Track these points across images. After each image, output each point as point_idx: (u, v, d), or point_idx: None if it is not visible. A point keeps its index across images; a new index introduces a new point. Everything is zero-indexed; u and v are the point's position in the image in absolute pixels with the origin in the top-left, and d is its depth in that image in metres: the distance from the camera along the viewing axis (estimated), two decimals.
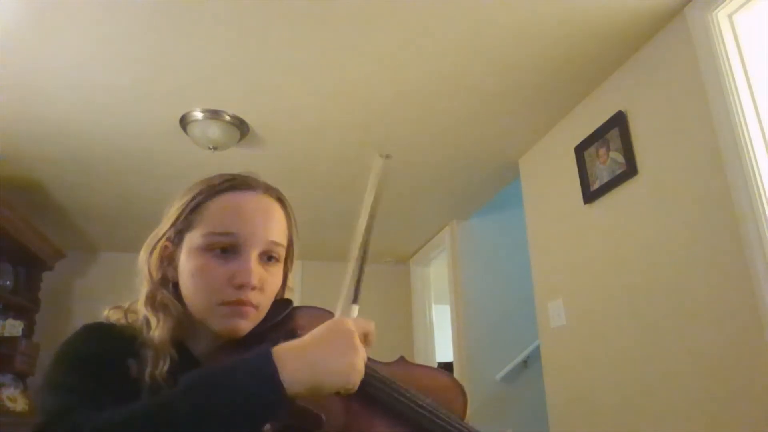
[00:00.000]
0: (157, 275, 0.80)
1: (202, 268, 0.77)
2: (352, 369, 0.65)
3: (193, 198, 0.81)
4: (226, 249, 0.77)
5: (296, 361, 0.62)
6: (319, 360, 0.63)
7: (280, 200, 0.85)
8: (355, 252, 0.77)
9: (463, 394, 0.80)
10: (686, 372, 1.91)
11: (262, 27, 2.01)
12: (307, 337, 0.66)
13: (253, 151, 2.86)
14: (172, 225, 0.81)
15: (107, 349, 0.71)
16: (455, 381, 0.82)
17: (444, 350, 4.44)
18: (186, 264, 0.79)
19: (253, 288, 0.76)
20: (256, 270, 0.77)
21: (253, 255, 0.77)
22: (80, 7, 1.88)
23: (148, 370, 0.71)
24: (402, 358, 0.83)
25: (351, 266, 0.77)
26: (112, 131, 2.67)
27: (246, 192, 0.81)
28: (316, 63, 2.21)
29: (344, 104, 2.48)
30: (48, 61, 2.15)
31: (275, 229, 0.81)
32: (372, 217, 0.78)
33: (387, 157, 0.80)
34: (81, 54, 2.12)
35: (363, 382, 0.68)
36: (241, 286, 0.75)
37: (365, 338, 0.71)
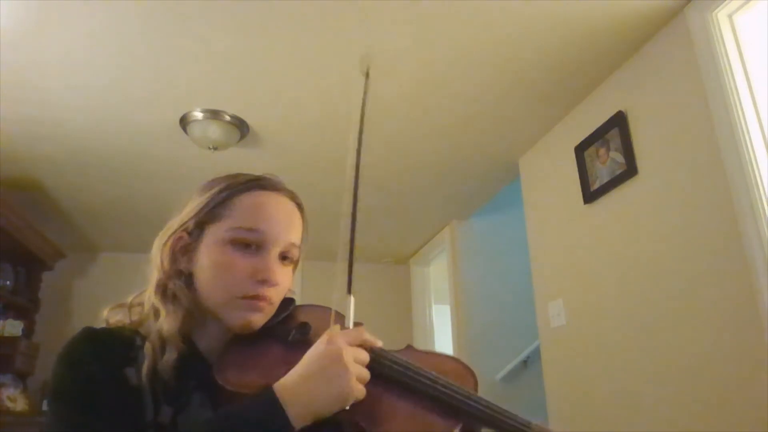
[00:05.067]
0: (169, 265, 0.81)
1: (225, 260, 0.78)
2: (346, 393, 0.67)
3: (221, 192, 0.82)
4: (249, 244, 0.79)
5: (296, 399, 0.66)
6: (315, 393, 0.67)
7: (299, 205, 0.88)
8: (348, 210, 0.80)
9: (473, 376, 0.81)
10: (686, 372, 1.91)
11: (263, 27, 2.01)
12: (301, 368, 0.69)
13: (253, 151, 2.86)
14: (193, 216, 0.82)
15: (104, 363, 0.71)
16: (464, 364, 0.83)
17: (444, 350, 4.43)
18: (207, 256, 0.80)
19: (272, 284, 0.79)
20: (276, 267, 0.80)
21: (274, 253, 0.80)
22: (80, 7, 1.88)
23: (147, 364, 0.71)
24: (410, 346, 0.85)
25: (344, 236, 0.79)
26: (112, 131, 2.67)
27: (273, 192, 0.85)
28: (317, 63, 2.21)
29: (344, 104, 2.48)
30: (48, 61, 2.15)
31: (295, 231, 0.85)
32: (360, 142, 0.82)
33: (366, 74, 0.84)
34: (81, 54, 2.12)
35: (380, 367, 0.73)
36: (262, 282, 0.78)
37: (362, 347, 0.73)
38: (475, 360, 3.63)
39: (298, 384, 0.67)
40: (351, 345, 0.71)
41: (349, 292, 0.77)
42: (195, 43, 2.08)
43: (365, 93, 0.83)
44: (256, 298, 0.78)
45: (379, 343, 0.75)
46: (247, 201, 0.82)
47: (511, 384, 3.59)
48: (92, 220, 3.81)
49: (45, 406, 0.73)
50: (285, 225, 0.83)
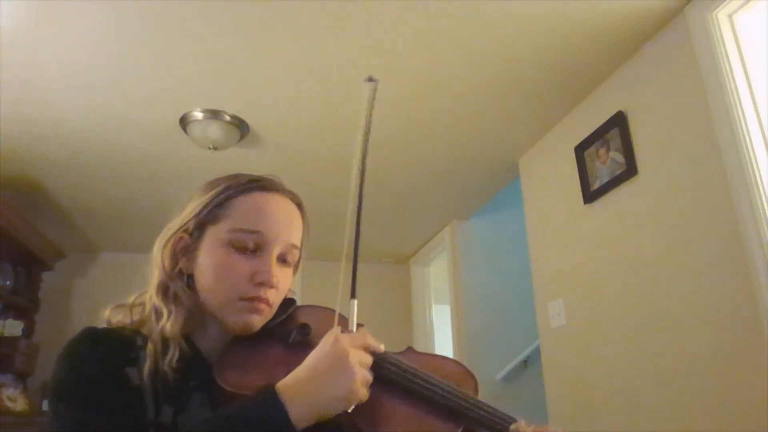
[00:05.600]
0: (170, 266, 0.80)
1: (224, 262, 0.78)
2: (351, 395, 0.67)
3: (221, 192, 0.82)
4: (248, 246, 0.79)
5: (299, 398, 0.65)
6: (318, 393, 0.66)
7: (300, 206, 0.88)
8: (351, 214, 0.79)
9: (473, 378, 0.81)
10: (686, 371, 1.91)
11: (263, 27, 2.01)
12: (305, 367, 0.68)
13: (253, 151, 2.86)
14: (194, 217, 0.82)
15: (106, 364, 0.70)
16: (464, 367, 0.84)
17: (444, 350, 4.43)
18: (207, 257, 0.80)
19: (271, 287, 0.79)
20: (275, 269, 0.79)
21: (274, 255, 0.80)
22: (79, 7, 1.88)
23: (148, 364, 0.71)
24: (410, 348, 0.85)
25: (348, 236, 0.78)
26: (112, 131, 2.67)
27: (273, 194, 0.84)
28: (317, 63, 2.21)
29: (344, 104, 2.48)
30: (48, 62, 2.15)
31: (295, 232, 0.84)
32: (365, 147, 0.81)
33: (371, 80, 0.83)
34: (81, 54, 2.12)
35: (381, 370, 0.73)
36: (261, 284, 0.78)
37: (366, 350, 0.72)
38: (475, 360, 3.63)
39: (302, 383, 0.67)
40: (355, 347, 0.70)
41: (353, 296, 0.76)
42: (195, 43, 2.08)
43: (370, 111, 0.83)
44: (255, 299, 0.78)
45: (382, 348, 0.75)
46: (247, 202, 0.82)
47: (511, 384, 3.59)
48: (92, 220, 3.81)
49: (45, 406, 0.73)
50: (285, 226, 0.82)
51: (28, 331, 3.58)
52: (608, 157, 2.34)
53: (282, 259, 0.82)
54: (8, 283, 3.47)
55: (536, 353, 3.10)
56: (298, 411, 0.64)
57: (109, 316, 0.80)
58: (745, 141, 1.74)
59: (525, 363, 3.63)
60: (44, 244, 3.61)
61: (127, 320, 0.79)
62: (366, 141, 0.81)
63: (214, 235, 0.80)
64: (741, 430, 1.69)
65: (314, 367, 0.68)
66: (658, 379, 2.03)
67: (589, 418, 2.40)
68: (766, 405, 1.60)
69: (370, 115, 0.82)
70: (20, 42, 2.03)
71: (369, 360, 0.71)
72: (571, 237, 2.61)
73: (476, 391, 0.79)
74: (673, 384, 1.96)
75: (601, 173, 2.38)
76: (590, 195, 2.44)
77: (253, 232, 0.79)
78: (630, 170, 2.20)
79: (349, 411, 0.67)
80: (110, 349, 0.72)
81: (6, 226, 3.07)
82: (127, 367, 0.71)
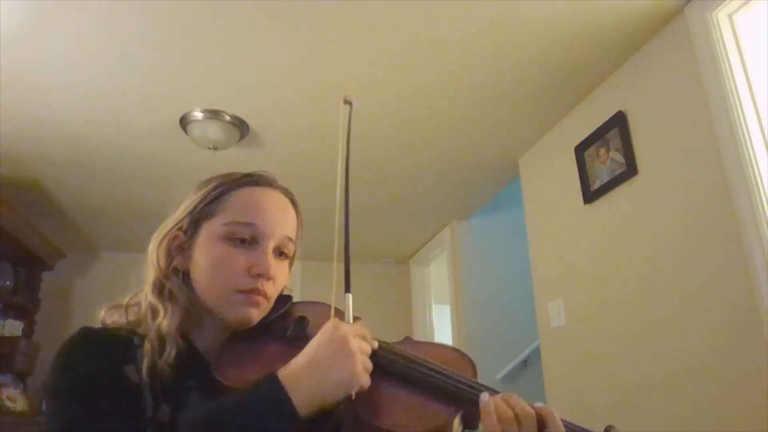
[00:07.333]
0: (165, 264, 0.81)
1: (221, 255, 0.79)
2: (353, 380, 0.66)
3: (215, 188, 0.83)
4: (245, 239, 0.80)
5: (301, 385, 0.65)
6: (320, 379, 0.66)
7: (293, 202, 0.89)
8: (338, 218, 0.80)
9: (472, 363, 0.81)
10: (686, 372, 1.91)
11: (262, 27, 2.01)
12: (306, 354, 0.68)
13: (253, 151, 2.86)
14: (188, 214, 0.82)
15: (103, 362, 0.70)
16: (462, 353, 0.84)
17: None
18: (203, 252, 0.80)
19: (269, 278, 0.79)
20: (271, 261, 0.80)
21: (270, 247, 0.81)
22: (80, 7, 1.88)
23: (146, 362, 0.71)
24: (408, 338, 0.86)
25: (338, 237, 0.79)
26: (112, 131, 2.67)
27: (267, 188, 0.85)
28: (316, 63, 2.21)
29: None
30: (48, 62, 2.15)
31: (289, 225, 0.85)
32: (347, 165, 0.82)
33: (347, 102, 0.86)
34: (81, 55, 2.12)
35: (379, 358, 0.73)
36: (258, 276, 0.78)
37: (364, 339, 0.72)
38: (475, 360, 3.63)
39: (303, 370, 0.66)
40: (354, 334, 0.70)
41: (348, 290, 0.77)
42: (195, 43, 2.08)
43: (349, 122, 0.85)
44: (253, 292, 0.78)
45: (375, 344, 0.75)
46: (241, 196, 0.82)
47: (511, 384, 3.59)
48: (92, 220, 3.81)
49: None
50: (280, 219, 0.83)
51: (28, 331, 3.58)
52: (608, 157, 2.34)
53: (278, 252, 0.83)
54: (8, 283, 3.47)
55: (536, 353, 3.10)
56: (301, 398, 0.64)
57: (104, 317, 0.80)
58: (745, 141, 1.74)
59: (525, 363, 3.63)
60: (44, 244, 3.61)
61: (123, 321, 0.79)
62: (347, 159, 0.82)
63: (209, 230, 0.81)
64: (741, 430, 1.69)
65: (314, 353, 0.67)
66: (658, 379, 2.03)
67: (589, 418, 2.39)
68: (766, 406, 1.60)
69: (348, 136, 0.84)
70: (21, 42, 2.03)
71: (368, 347, 0.71)
72: (571, 237, 2.61)
73: (475, 375, 0.79)
74: (673, 383, 1.96)
75: (601, 173, 2.38)
76: (590, 195, 2.44)
77: (248, 224, 0.80)
78: (630, 170, 2.20)
79: (353, 397, 0.67)
80: (107, 348, 0.72)
81: (6, 226, 3.07)
82: (124, 365, 0.71)
